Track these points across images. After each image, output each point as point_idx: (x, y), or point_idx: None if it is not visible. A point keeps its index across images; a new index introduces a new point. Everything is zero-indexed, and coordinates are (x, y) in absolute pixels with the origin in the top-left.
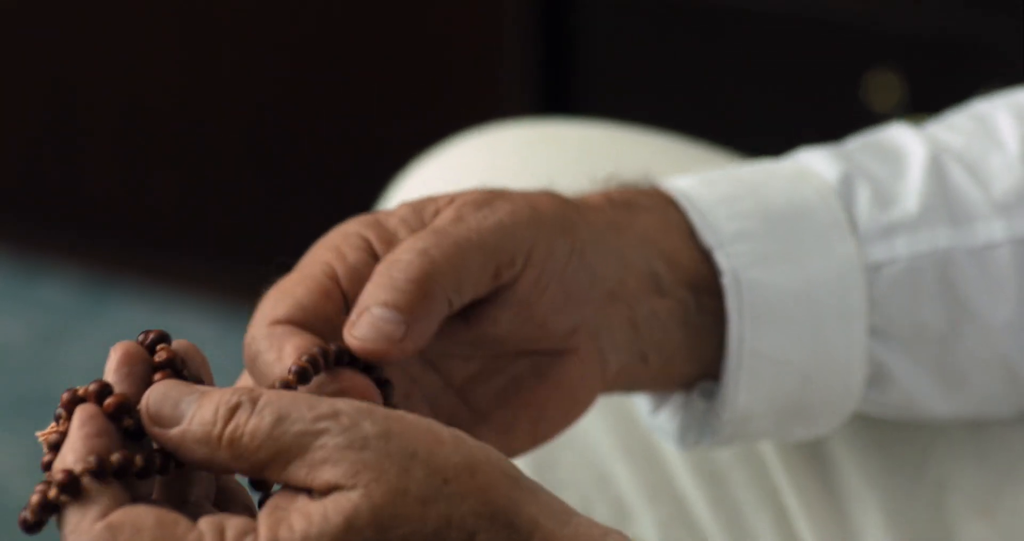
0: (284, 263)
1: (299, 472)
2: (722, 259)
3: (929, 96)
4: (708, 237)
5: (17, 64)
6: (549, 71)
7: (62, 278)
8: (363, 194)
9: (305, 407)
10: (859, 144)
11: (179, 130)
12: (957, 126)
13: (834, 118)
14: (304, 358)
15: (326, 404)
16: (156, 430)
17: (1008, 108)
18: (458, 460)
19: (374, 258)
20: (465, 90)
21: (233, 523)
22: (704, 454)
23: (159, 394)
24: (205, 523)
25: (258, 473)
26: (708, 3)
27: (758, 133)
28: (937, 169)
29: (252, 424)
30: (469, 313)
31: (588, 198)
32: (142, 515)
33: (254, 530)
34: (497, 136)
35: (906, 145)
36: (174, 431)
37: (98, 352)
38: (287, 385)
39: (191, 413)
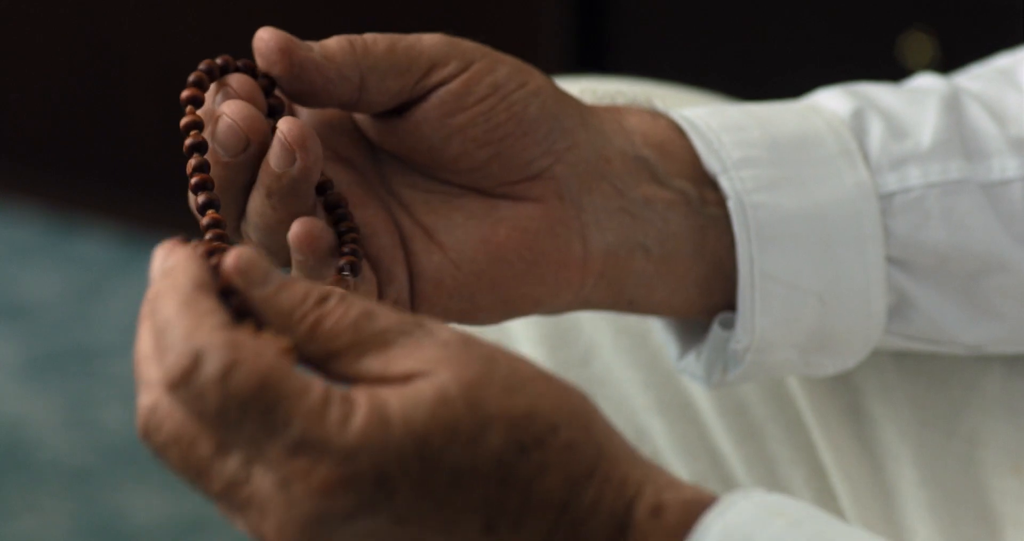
0: None
1: (374, 364)
2: (726, 183)
3: (962, 57)
4: (712, 163)
5: (54, 20)
6: (585, 29)
7: (98, 234)
8: None
9: (392, 312)
10: (878, 85)
11: None
12: (978, 73)
13: (870, 77)
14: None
15: (412, 317)
16: (240, 280)
17: None
18: (536, 369)
19: None
20: (501, 48)
21: (337, 391)
22: (740, 411)
23: (252, 255)
24: (314, 381)
25: (324, 361)
26: None
27: (793, 92)
28: (955, 105)
29: (339, 312)
30: (404, 112)
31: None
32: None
33: (353, 401)
34: None
35: (924, 85)
36: (258, 292)
37: (133, 307)
38: None
39: (279, 286)
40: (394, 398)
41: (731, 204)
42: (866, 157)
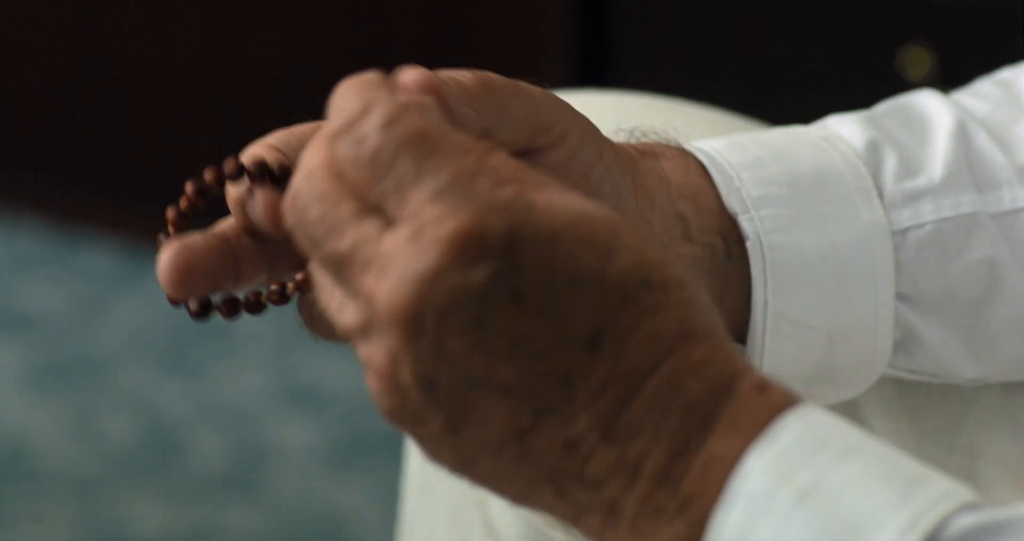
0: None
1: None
2: (746, 224)
3: (961, 70)
4: (733, 202)
5: (56, 34)
6: (587, 43)
7: (102, 246)
8: None
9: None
10: (886, 110)
11: (220, 99)
12: (983, 93)
13: (869, 90)
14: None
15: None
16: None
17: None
18: None
19: None
20: (504, 62)
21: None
22: None
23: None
24: (473, 147)
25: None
26: None
27: (794, 106)
28: (963, 135)
29: (501, 156)
30: None
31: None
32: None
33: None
34: None
35: (932, 111)
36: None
37: (136, 320)
38: None
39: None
40: (541, 194)
41: (750, 245)
42: (881, 193)
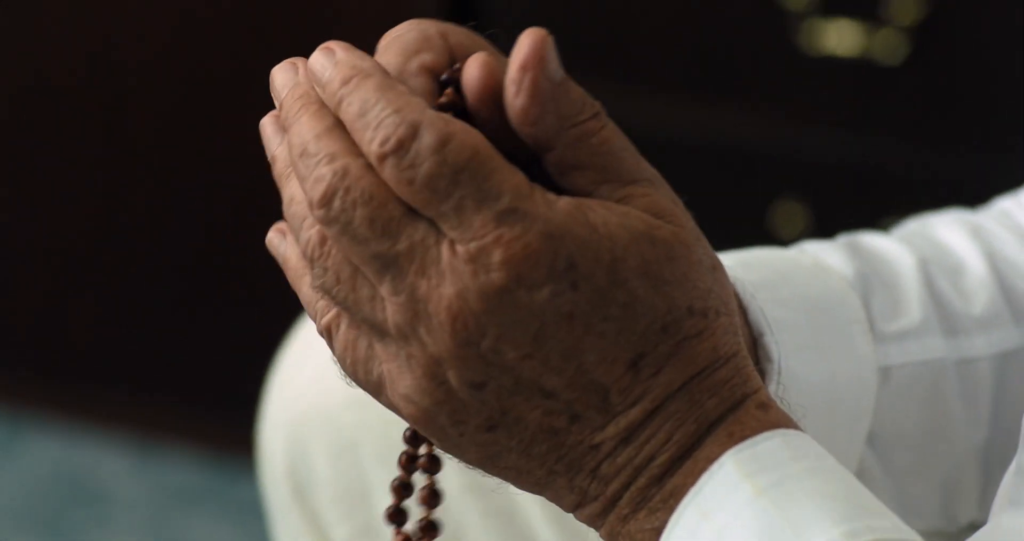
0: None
1: (606, 191)
2: (772, 346)
3: (833, 224)
4: (760, 321)
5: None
6: None
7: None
8: (283, 319)
9: (642, 159)
10: (850, 243)
11: (92, 264)
12: (917, 243)
13: (743, 245)
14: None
15: (652, 170)
16: (535, 59)
17: (959, 225)
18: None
19: None
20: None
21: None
22: None
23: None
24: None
25: (564, 164)
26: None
27: None
28: (927, 278)
29: (607, 133)
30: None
31: None
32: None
33: (557, 197)
34: None
35: (892, 250)
36: (547, 78)
37: (12, 487)
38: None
39: (567, 79)
40: (601, 209)
41: (771, 367)
42: (872, 328)
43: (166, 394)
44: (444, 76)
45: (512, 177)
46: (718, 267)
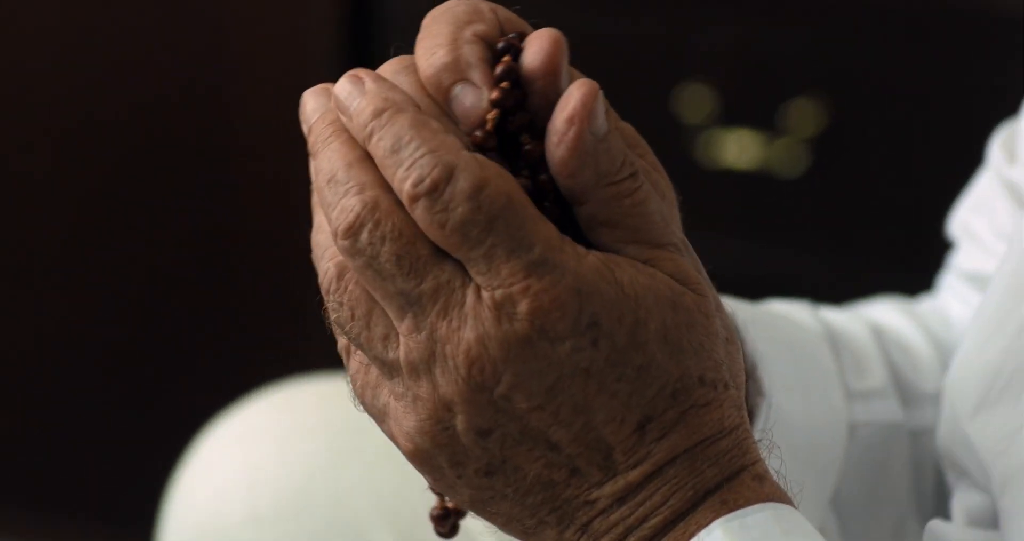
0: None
1: (634, 251)
2: (764, 379)
3: (736, 107)
4: (753, 354)
5: None
6: None
7: None
8: (163, 455)
9: (675, 226)
10: (811, 307)
11: None
12: (864, 319)
13: (647, 129)
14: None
15: (684, 239)
16: (583, 109)
17: (896, 310)
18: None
19: None
20: (267, 347)
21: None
22: None
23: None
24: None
25: (593, 219)
26: None
27: None
28: (882, 348)
29: (642, 195)
30: None
31: None
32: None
33: (587, 251)
34: (294, 393)
35: (846, 319)
36: (595, 126)
37: None
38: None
39: (614, 130)
40: (629, 268)
41: (763, 400)
42: (844, 382)
43: (59, 511)
44: (501, 44)
45: (544, 228)
46: (732, 340)
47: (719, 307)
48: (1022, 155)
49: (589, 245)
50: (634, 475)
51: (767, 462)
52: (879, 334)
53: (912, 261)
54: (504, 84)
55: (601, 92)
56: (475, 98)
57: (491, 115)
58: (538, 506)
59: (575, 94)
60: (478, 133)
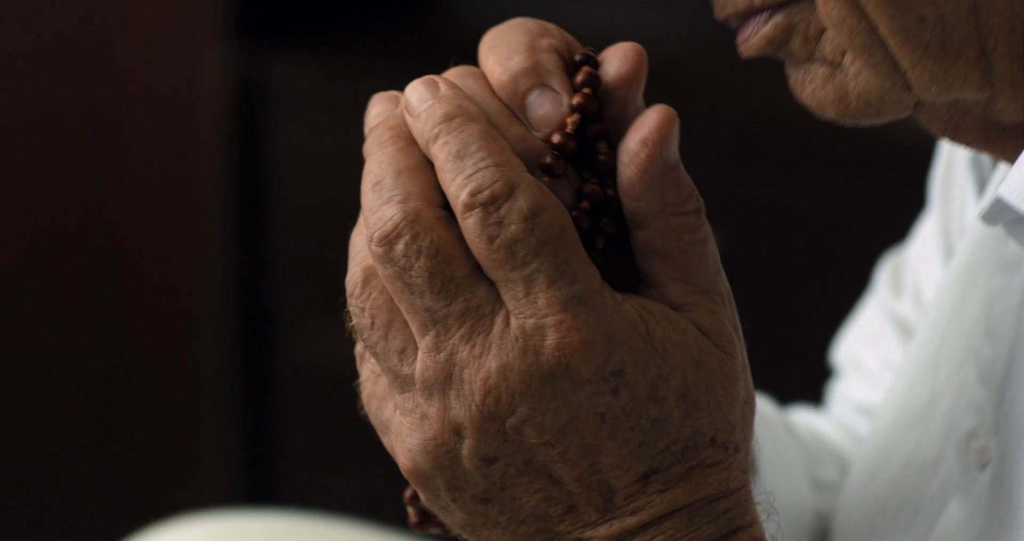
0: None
1: (675, 293)
2: (754, 447)
3: None
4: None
5: None
6: (253, 455)
7: None
8: None
9: (722, 274)
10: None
11: None
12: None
13: None
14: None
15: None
16: (658, 132)
17: (813, 414)
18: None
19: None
20: (164, 481)
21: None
22: None
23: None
24: None
25: (644, 252)
26: None
27: None
28: (824, 442)
29: (701, 234)
30: None
31: None
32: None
33: (625, 296)
34: (182, 532)
35: (765, 408)
36: (665, 155)
37: None
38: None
39: (679, 165)
40: (664, 321)
41: (754, 478)
42: (810, 471)
43: None
44: (579, 56)
45: (590, 269)
46: (750, 403)
47: (745, 368)
48: (908, 287)
49: (634, 272)
50: (631, 521)
51: (764, 526)
52: (814, 431)
53: (794, 385)
54: (586, 90)
55: (678, 120)
56: (554, 103)
57: (572, 119)
58: (529, 536)
59: (652, 116)
60: (556, 136)
